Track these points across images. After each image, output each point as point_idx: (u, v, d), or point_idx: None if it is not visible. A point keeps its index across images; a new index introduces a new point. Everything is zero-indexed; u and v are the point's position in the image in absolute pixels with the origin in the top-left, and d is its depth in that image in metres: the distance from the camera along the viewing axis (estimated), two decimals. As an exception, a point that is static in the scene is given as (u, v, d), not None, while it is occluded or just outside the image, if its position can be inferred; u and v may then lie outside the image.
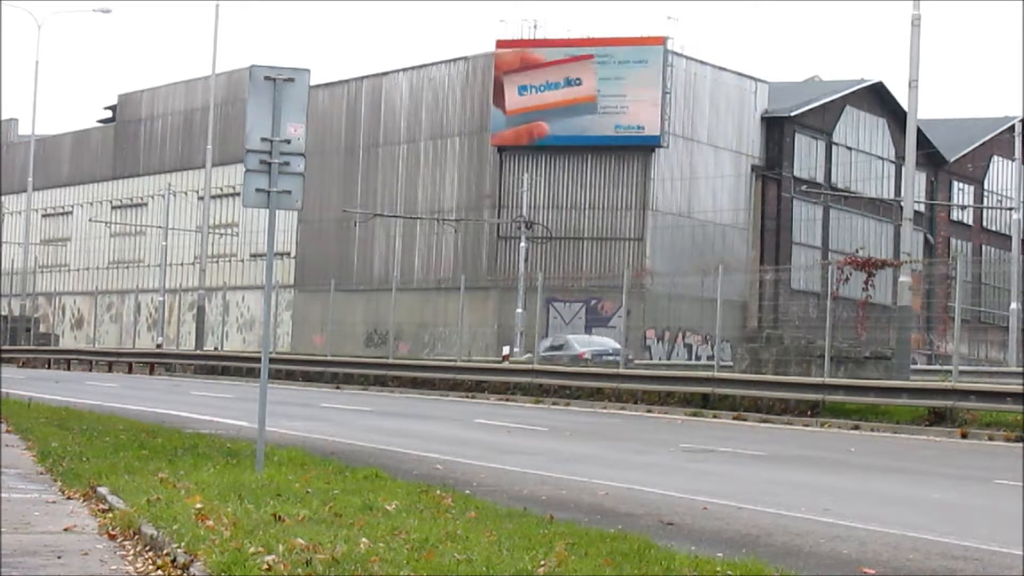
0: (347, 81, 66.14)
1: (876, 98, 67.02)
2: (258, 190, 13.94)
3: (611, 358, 40.74)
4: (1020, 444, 23.03)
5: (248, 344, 65.37)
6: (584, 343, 44.25)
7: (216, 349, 57.02)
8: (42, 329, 72.40)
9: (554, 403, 34.34)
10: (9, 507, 11.80)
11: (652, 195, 58.02)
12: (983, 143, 73.98)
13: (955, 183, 73.86)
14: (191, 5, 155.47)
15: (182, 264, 71.96)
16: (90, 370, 55.47)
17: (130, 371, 53.46)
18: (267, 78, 13.83)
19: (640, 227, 58.02)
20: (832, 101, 65.12)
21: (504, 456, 18.05)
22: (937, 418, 26.40)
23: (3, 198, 75.97)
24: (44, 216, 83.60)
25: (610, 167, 58.14)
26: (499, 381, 38.13)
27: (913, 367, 34.69)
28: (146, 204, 76.72)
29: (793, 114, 62.41)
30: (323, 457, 15.98)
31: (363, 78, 65.78)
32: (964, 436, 24.75)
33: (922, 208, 65.87)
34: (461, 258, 60.01)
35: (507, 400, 35.88)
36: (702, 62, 60.30)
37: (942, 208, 72.08)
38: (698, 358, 53.95)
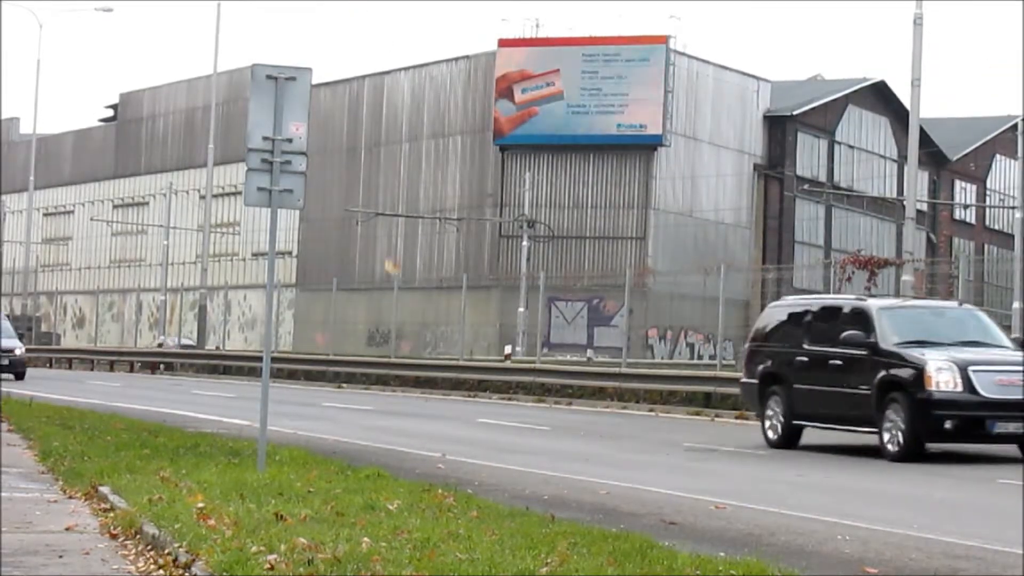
0: (349, 80, 66.12)
1: (878, 97, 66.99)
2: (260, 189, 13.93)
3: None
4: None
5: (250, 343, 65.37)
6: None
7: (218, 348, 57.01)
8: (43, 328, 72.37)
9: (556, 402, 34.27)
10: (10, 506, 11.79)
11: (654, 194, 58.01)
12: (985, 142, 73.96)
13: (957, 182, 73.85)
14: (193, 4, 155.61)
15: (184, 263, 71.92)
16: (92, 369, 55.53)
17: (132, 370, 53.49)
18: (269, 77, 13.82)
19: (642, 226, 58.01)
20: (834, 100, 65.09)
21: (506, 455, 18.03)
22: (940, 417, 26.27)
23: (4, 197, 75.93)
24: (45, 215, 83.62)
25: (612, 166, 58.12)
26: (501, 380, 38.09)
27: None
28: (147, 203, 76.71)
29: (795, 113, 62.38)
30: (325, 456, 15.95)
31: (365, 77, 65.76)
32: (967, 435, 24.63)
33: (924, 207, 65.82)
34: (463, 257, 59.98)
35: (509, 399, 35.84)
36: (704, 61, 60.27)
37: (944, 207, 72.06)
38: (700, 357, 53.91)
